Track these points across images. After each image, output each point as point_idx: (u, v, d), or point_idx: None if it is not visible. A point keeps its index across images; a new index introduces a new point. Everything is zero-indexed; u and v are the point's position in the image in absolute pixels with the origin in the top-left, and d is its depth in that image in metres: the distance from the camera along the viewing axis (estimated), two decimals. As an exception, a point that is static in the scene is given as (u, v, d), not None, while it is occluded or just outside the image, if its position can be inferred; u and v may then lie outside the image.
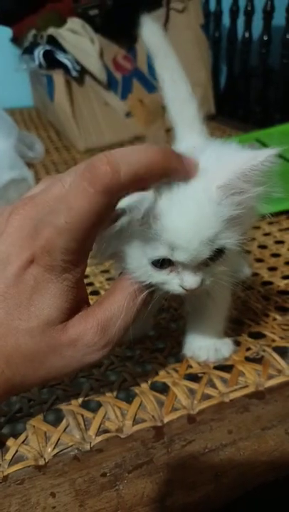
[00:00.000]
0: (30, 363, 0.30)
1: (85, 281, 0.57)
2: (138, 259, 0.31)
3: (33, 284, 0.29)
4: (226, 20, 1.28)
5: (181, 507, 0.29)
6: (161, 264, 0.30)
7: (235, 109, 1.32)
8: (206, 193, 0.29)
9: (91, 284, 0.58)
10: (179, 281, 0.31)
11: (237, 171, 0.28)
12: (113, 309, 0.31)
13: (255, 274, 0.57)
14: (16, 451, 0.31)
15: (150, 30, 0.53)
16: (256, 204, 0.31)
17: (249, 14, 1.17)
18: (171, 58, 0.52)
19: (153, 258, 0.30)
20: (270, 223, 0.73)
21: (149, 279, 0.31)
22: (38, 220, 0.29)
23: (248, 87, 1.28)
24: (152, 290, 0.32)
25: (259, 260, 0.61)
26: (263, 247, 0.65)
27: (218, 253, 0.31)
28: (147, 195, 0.27)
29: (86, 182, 0.26)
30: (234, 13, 1.22)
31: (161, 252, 0.29)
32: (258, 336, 0.45)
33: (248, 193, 0.29)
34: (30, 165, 0.94)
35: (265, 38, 1.12)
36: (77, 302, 0.31)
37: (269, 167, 0.28)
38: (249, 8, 1.16)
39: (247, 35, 1.18)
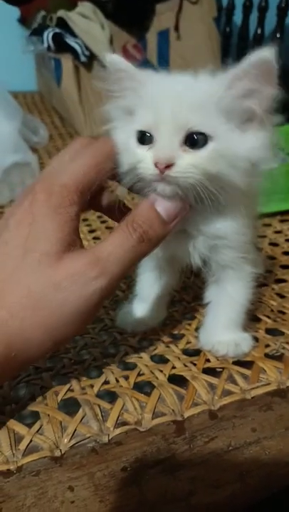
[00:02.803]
0: (28, 300, 0.28)
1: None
2: (128, 141, 0.33)
3: (30, 221, 0.30)
4: (237, 15, 1.26)
5: (206, 506, 0.27)
6: (144, 140, 0.32)
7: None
8: (198, 79, 0.32)
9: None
10: (153, 155, 0.31)
11: (237, 68, 0.30)
12: (109, 245, 0.31)
13: (269, 271, 0.56)
14: (30, 441, 0.30)
15: None
16: (259, 109, 0.31)
17: (263, 10, 1.16)
18: None
19: (136, 127, 0.32)
20: (281, 221, 0.72)
21: (132, 158, 0.32)
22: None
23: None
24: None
25: (271, 258, 0.60)
26: (274, 244, 0.64)
27: (200, 142, 0.31)
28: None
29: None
30: (247, 8, 1.20)
31: (144, 116, 0.32)
32: (275, 333, 0.43)
33: (247, 89, 0.30)
34: (33, 150, 0.92)
35: (278, 35, 1.10)
36: (73, 240, 0.30)
37: (267, 64, 0.29)
38: (263, 4, 1.15)
39: (259, 31, 1.17)
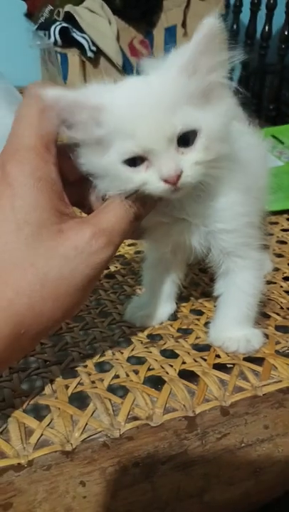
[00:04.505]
0: (35, 276, 0.28)
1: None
2: (114, 168, 0.30)
3: (10, 193, 0.28)
4: (245, 13, 1.25)
5: (220, 503, 0.27)
6: (135, 162, 0.30)
7: (246, 104, 1.29)
8: (158, 77, 0.30)
9: (106, 267, 0.56)
10: (157, 174, 0.30)
11: (190, 48, 0.29)
12: (110, 218, 0.31)
13: (276, 269, 0.56)
14: (41, 435, 0.29)
15: None
16: (222, 80, 0.30)
17: (271, 8, 1.15)
18: None
19: (122, 156, 0.29)
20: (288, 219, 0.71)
21: (130, 184, 0.30)
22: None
23: (262, 83, 1.26)
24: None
25: (279, 255, 0.60)
26: (282, 242, 0.64)
27: (190, 138, 0.30)
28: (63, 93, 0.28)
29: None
30: (255, 5, 1.19)
31: (125, 145, 0.29)
32: (285, 330, 0.43)
33: (207, 66, 0.29)
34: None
35: (286, 32, 1.10)
36: (62, 206, 0.30)
37: (214, 32, 0.28)
38: (271, 2, 1.14)
39: (267, 29, 1.16)
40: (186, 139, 0.30)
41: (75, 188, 0.33)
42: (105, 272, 0.55)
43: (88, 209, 0.34)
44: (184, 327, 0.43)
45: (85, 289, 0.30)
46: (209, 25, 0.28)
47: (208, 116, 0.30)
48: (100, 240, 0.29)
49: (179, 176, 0.30)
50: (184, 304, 0.47)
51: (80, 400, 0.33)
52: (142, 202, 0.32)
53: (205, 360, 0.38)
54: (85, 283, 0.30)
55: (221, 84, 0.31)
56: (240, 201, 0.36)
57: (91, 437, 0.29)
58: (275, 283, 0.52)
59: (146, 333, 0.42)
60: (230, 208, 0.36)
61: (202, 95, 0.30)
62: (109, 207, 0.31)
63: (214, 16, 0.29)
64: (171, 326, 0.43)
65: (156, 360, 0.37)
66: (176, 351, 0.39)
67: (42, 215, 0.28)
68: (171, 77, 0.29)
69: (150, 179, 0.30)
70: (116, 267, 0.56)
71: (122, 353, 0.39)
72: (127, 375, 0.35)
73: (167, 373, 0.36)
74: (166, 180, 0.30)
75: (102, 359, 0.38)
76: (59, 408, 0.31)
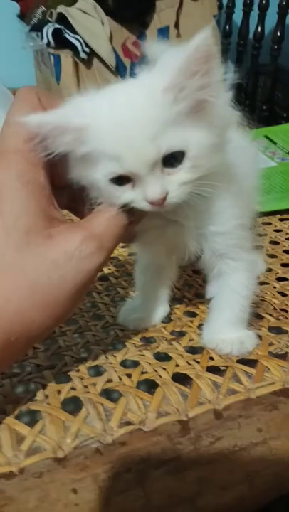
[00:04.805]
0: (24, 282, 0.27)
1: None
2: (101, 184, 0.30)
3: None
4: (237, 13, 1.26)
5: (213, 508, 0.26)
6: (121, 181, 0.30)
7: (239, 105, 1.30)
8: (143, 96, 0.28)
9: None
10: (142, 195, 0.30)
11: (176, 67, 0.27)
12: (101, 223, 0.30)
13: (269, 270, 0.56)
14: (33, 442, 0.29)
15: None
16: (214, 97, 0.29)
17: (263, 8, 1.15)
18: None
19: (108, 176, 0.29)
20: (281, 220, 0.72)
21: (117, 200, 0.30)
22: None
23: (255, 84, 1.26)
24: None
25: (272, 256, 0.60)
26: (275, 243, 0.64)
27: (177, 158, 0.29)
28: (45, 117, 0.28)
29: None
30: (247, 6, 1.19)
31: (110, 166, 0.29)
32: (278, 331, 0.43)
33: (195, 86, 0.28)
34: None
35: (279, 33, 1.10)
36: (52, 211, 0.29)
37: (206, 50, 0.27)
38: (264, 2, 1.14)
39: (260, 30, 1.16)
40: (173, 159, 0.29)
41: (65, 191, 0.33)
42: (99, 274, 0.55)
43: (80, 212, 0.34)
44: (178, 329, 0.43)
45: (75, 297, 0.29)
46: (198, 45, 0.27)
47: (197, 132, 0.30)
48: (90, 245, 0.29)
49: (164, 198, 0.30)
50: (177, 306, 0.47)
51: (72, 405, 0.32)
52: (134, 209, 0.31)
53: (198, 362, 0.38)
54: (76, 291, 0.29)
55: (212, 101, 0.29)
56: (231, 204, 0.36)
57: (83, 443, 0.29)
58: (268, 284, 0.52)
59: (139, 336, 0.42)
60: (223, 210, 0.36)
61: (191, 111, 0.29)
62: (101, 211, 0.31)
63: (206, 32, 0.27)
64: (164, 328, 0.43)
65: (149, 364, 0.37)
66: (170, 354, 0.39)
67: (30, 220, 0.28)
68: (156, 97, 0.28)
69: (136, 198, 0.30)
70: (109, 269, 0.56)
71: (115, 356, 0.38)
72: (120, 379, 0.35)
73: (160, 377, 0.36)
74: (151, 202, 0.30)
75: (95, 363, 0.37)
76: (51, 414, 0.31)
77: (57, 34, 1.01)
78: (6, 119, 0.30)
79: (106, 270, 0.56)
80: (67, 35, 1.02)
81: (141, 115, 0.28)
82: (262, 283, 0.52)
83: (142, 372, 0.36)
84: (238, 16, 1.25)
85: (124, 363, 0.38)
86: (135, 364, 0.37)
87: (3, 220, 0.27)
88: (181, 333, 0.42)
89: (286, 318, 0.45)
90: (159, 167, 0.29)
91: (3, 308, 0.27)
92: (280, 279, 0.54)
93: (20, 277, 0.27)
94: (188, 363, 0.37)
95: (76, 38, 1.02)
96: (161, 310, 0.45)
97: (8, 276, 0.27)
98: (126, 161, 0.28)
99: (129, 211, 0.31)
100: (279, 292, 0.50)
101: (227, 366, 0.37)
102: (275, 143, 0.95)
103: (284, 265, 0.57)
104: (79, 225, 0.31)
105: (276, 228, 0.69)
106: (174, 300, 0.47)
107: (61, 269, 0.28)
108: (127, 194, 0.30)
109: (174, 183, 0.30)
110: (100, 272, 0.55)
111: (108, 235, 0.30)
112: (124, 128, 0.28)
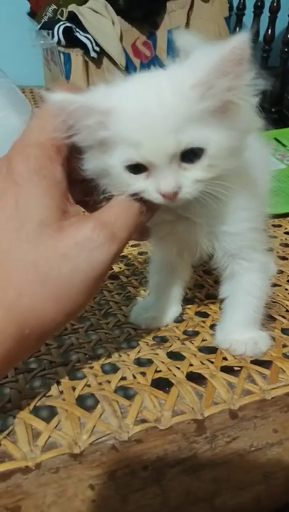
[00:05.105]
0: (35, 276, 0.27)
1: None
2: (116, 170, 0.30)
3: (15, 191, 0.28)
4: (248, 15, 1.26)
5: (230, 508, 0.26)
6: (137, 169, 0.30)
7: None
8: (171, 88, 0.28)
9: (110, 268, 0.56)
10: (155, 186, 0.30)
11: (209, 66, 0.27)
12: (112, 211, 0.30)
13: (281, 272, 0.55)
14: (49, 437, 0.29)
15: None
16: (241, 100, 0.29)
17: (274, 11, 1.15)
18: None
19: (124, 162, 0.29)
20: (292, 222, 0.71)
21: (129, 188, 0.30)
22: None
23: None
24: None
25: (283, 258, 0.59)
26: (286, 245, 0.64)
27: (196, 154, 0.29)
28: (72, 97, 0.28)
29: None
30: (258, 8, 1.19)
31: (129, 153, 0.29)
32: (291, 333, 0.42)
33: (224, 87, 0.28)
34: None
35: (289, 36, 1.10)
36: (65, 205, 0.29)
37: (241, 53, 0.27)
38: (275, 5, 1.14)
39: (270, 32, 1.16)
40: (192, 155, 0.29)
41: (80, 185, 0.33)
42: (109, 273, 0.55)
43: (91, 207, 0.34)
44: (190, 329, 0.43)
45: (87, 292, 0.29)
46: (235, 47, 0.27)
47: (218, 132, 0.29)
48: (101, 234, 0.28)
49: (176, 193, 0.29)
50: (189, 306, 0.47)
51: (87, 402, 0.32)
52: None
53: (212, 362, 0.37)
54: (87, 284, 0.28)
55: (238, 104, 0.29)
56: (244, 206, 0.36)
57: (99, 440, 0.29)
58: (280, 285, 0.52)
59: (152, 334, 0.42)
60: (234, 211, 0.36)
61: (216, 111, 0.29)
62: (113, 202, 0.31)
63: (244, 35, 0.27)
64: (176, 328, 0.43)
65: (163, 362, 0.37)
66: (183, 353, 0.39)
67: (44, 213, 0.28)
68: (183, 91, 0.28)
69: (148, 189, 0.30)
70: (120, 268, 0.56)
71: (128, 354, 0.38)
72: (134, 377, 0.35)
73: (174, 375, 0.35)
74: (163, 195, 0.29)
75: (108, 361, 0.37)
76: (66, 410, 0.31)
77: (67, 33, 1.02)
78: (35, 113, 0.30)
79: (116, 269, 0.55)
80: (77, 34, 1.02)
81: (166, 106, 0.28)
82: (273, 285, 0.51)
83: (156, 371, 0.36)
84: (248, 18, 1.25)
85: (137, 361, 0.37)
86: (149, 362, 0.37)
87: (19, 212, 0.27)
88: (194, 333, 0.42)
89: (298, 320, 0.45)
90: (176, 161, 0.29)
91: (17, 301, 0.27)
92: (291, 281, 0.53)
93: (32, 270, 0.27)
94: (202, 363, 0.37)
95: (87, 37, 1.02)
96: (174, 310, 0.45)
97: (21, 269, 0.27)
98: (145, 148, 0.28)
99: (140, 201, 0.31)
100: (290, 294, 0.50)
101: (241, 367, 0.37)
102: (284, 145, 0.95)
103: (295, 267, 0.57)
104: (91, 215, 0.30)
105: (286, 230, 0.69)
106: (186, 300, 0.47)
107: (71, 262, 0.27)
108: (140, 183, 0.30)
109: (189, 180, 0.30)
110: (110, 271, 0.55)
111: (120, 223, 0.29)
112: (148, 116, 0.28)
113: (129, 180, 0.30)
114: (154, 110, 0.28)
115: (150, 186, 0.30)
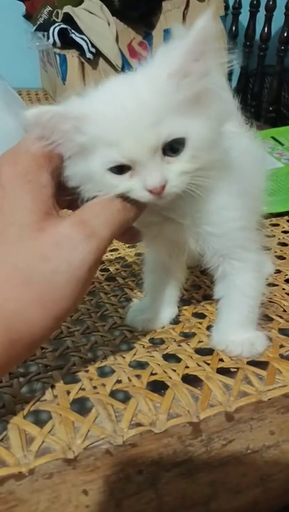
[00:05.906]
0: (18, 279, 0.27)
1: (100, 267, 0.55)
2: (98, 174, 0.30)
3: (1, 195, 0.28)
4: (244, 14, 1.25)
5: (227, 512, 0.26)
6: (120, 170, 0.29)
7: (245, 106, 1.29)
8: (146, 83, 0.28)
9: (106, 270, 0.55)
10: (141, 184, 0.29)
11: (182, 51, 0.27)
12: (92, 208, 0.29)
13: (278, 271, 0.55)
14: (42, 442, 0.28)
15: None
16: (213, 85, 0.29)
17: (270, 9, 1.15)
18: None
19: (106, 164, 0.29)
20: (289, 221, 0.71)
21: (115, 190, 0.30)
22: None
23: (262, 85, 1.25)
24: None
25: (280, 257, 0.59)
26: (283, 244, 0.63)
27: (178, 146, 0.29)
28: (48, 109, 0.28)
29: None
30: (254, 7, 1.19)
31: (109, 154, 0.29)
32: (288, 333, 0.42)
33: (198, 72, 0.28)
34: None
35: (286, 34, 1.10)
36: (49, 208, 0.29)
37: (207, 32, 0.27)
38: (271, 3, 1.14)
39: (266, 30, 1.16)
40: (173, 147, 0.29)
41: (69, 191, 0.32)
42: (106, 274, 0.54)
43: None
44: (186, 331, 0.43)
45: (73, 294, 0.28)
46: (202, 27, 0.27)
47: (197, 122, 0.29)
48: (80, 231, 0.28)
49: (163, 187, 0.29)
50: (185, 307, 0.47)
51: (82, 405, 0.32)
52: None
53: (208, 364, 0.37)
54: (72, 285, 0.27)
55: (212, 89, 0.29)
56: (229, 205, 0.36)
57: (93, 444, 0.29)
58: (277, 285, 0.52)
59: (148, 337, 0.42)
60: (218, 211, 0.35)
61: (192, 100, 0.29)
62: (93, 200, 0.30)
63: (207, 16, 0.27)
64: (173, 329, 0.43)
65: (158, 365, 0.37)
66: (179, 355, 0.38)
67: (25, 216, 0.28)
68: (159, 84, 0.28)
69: (134, 187, 0.30)
70: (117, 269, 0.56)
71: (123, 357, 0.38)
72: (130, 380, 0.35)
73: (170, 378, 0.35)
74: (150, 191, 0.29)
75: (103, 364, 0.37)
76: (60, 414, 0.30)
77: (63, 34, 1.01)
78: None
79: (113, 270, 0.55)
80: (73, 36, 1.02)
81: (143, 101, 0.28)
82: (271, 285, 0.51)
83: (152, 374, 0.36)
84: (244, 17, 1.25)
85: (133, 364, 0.37)
86: (144, 365, 0.37)
87: (3, 215, 0.28)
88: (190, 335, 0.42)
89: (296, 319, 0.44)
90: (159, 155, 0.29)
91: (3, 305, 0.26)
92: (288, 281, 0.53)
93: (16, 274, 0.27)
94: (198, 365, 0.37)
95: (82, 38, 1.02)
96: (170, 311, 0.45)
97: (4, 273, 0.27)
98: (125, 146, 0.28)
99: (126, 199, 0.30)
100: (288, 294, 0.50)
101: (238, 368, 0.37)
102: (282, 144, 0.95)
103: (293, 267, 0.57)
104: (72, 213, 0.30)
105: (284, 229, 0.68)
106: (182, 301, 0.47)
107: (52, 263, 0.27)
108: (124, 183, 0.30)
109: (174, 172, 0.30)
110: (106, 272, 0.54)
111: (100, 220, 0.29)
112: (125, 113, 0.28)
113: (113, 181, 0.30)
114: (130, 107, 0.28)
115: (136, 185, 0.30)
